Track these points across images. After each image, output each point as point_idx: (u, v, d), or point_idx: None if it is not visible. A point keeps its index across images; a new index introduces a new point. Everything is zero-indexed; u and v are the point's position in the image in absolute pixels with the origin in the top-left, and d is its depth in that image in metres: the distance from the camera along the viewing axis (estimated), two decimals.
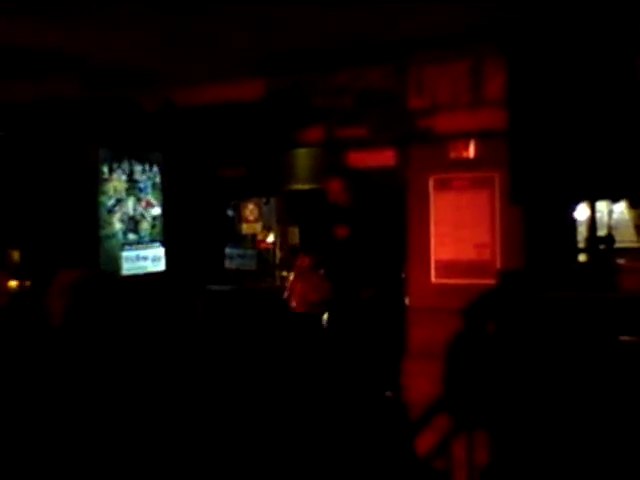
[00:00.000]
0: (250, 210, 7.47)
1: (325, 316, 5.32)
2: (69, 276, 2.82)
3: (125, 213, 6.61)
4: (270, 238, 7.54)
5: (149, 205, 6.85)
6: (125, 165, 6.61)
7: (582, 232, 5.62)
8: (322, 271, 5.37)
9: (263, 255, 7.37)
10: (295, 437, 2.54)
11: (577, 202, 5.42)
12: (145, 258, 6.72)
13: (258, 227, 7.53)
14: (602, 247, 5.66)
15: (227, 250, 6.98)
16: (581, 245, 5.63)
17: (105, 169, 6.44)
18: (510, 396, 4.63)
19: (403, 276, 5.64)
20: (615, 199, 5.67)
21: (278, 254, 7.40)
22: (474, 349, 5.08)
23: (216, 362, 4.58)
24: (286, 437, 2.55)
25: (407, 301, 5.62)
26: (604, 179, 4.80)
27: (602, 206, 5.76)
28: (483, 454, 4.51)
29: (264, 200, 7.46)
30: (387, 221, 5.74)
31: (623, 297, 4.77)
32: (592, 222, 5.56)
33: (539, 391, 4.57)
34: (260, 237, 7.58)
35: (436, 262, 5.66)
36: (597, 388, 4.49)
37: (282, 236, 7.38)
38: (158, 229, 6.92)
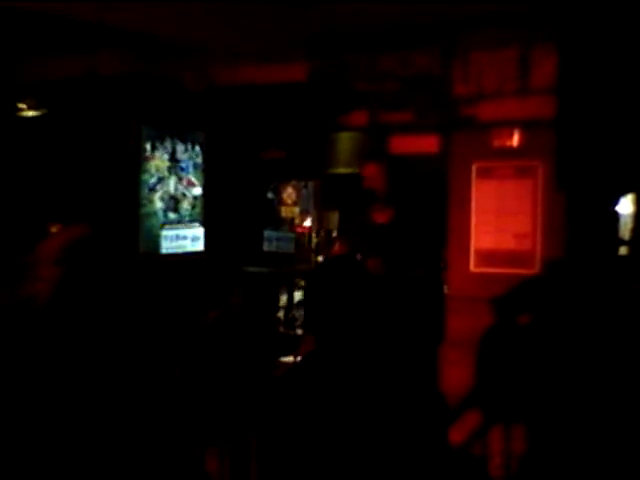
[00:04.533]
0: (288, 193, 7.45)
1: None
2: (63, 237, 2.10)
3: (166, 192, 6.63)
4: (307, 222, 7.50)
5: (190, 184, 6.87)
6: (168, 144, 6.62)
7: (625, 224, 5.55)
8: (359, 256, 5.34)
9: (300, 239, 7.34)
10: (327, 419, 2.50)
11: (622, 193, 5.35)
12: (184, 237, 6.75)
13: (296, 211, 7.50)
14: None
15: (266, 233, 6.97)
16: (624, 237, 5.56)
17: (148, 147, 6.47)
18: (549, 389, 4.58)
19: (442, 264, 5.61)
20: None
21: (314, 239, 7.38)
22: (507, 341, 5.03)
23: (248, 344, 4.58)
24: (320, 419, 2.52)
25: (446, 289, 5.59)
26: None
27: None
28: (520, 443, 4.48)
29: (303, 183, 7.43)
30: (428, 208, 5.70)
31: None
32: (637, 214, 5.49)
33: (577, 383, 4.53)
34: (297, 221, 7.55)
35: (476, 251, 5.62)
36: (636, 381, 4.43)
37: (319, 221, 7.34)
38: (198, 209, 6.94)
